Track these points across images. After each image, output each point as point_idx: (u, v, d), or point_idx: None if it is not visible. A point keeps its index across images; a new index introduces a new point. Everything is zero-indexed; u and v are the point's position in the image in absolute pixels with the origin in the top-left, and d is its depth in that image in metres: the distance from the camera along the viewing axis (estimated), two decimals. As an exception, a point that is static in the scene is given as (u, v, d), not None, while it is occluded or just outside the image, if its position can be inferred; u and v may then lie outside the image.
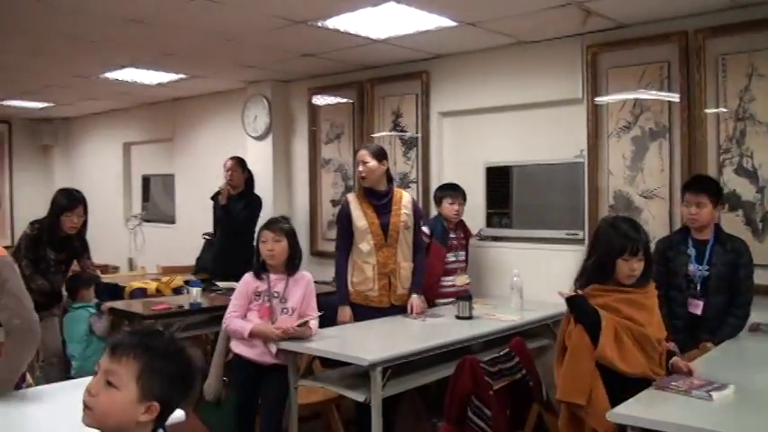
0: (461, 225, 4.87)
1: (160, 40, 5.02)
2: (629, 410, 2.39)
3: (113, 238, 8.98)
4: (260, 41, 4.97)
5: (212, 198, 5.91)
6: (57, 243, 4.56)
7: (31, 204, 7.58)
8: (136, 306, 4.92)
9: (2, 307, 2.49)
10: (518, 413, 3.27)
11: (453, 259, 4.75)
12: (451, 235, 4.75)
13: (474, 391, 2.79)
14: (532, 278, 4.52)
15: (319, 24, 4.45)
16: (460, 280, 4.76)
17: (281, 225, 3.67)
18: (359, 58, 5.45)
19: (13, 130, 9.78)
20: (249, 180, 5.99)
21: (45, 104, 8.41)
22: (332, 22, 4.41)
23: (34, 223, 4.62)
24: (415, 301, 4.21)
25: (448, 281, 4.72)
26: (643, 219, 4.25)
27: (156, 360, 1.59)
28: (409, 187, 5.50)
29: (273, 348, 3.54)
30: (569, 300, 2.83)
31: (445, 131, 5.49)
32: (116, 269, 8.03)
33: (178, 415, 2.33)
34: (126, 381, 1.57)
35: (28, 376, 2.86)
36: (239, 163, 5.91)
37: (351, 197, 4.29)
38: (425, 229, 4.68)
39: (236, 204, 5.79)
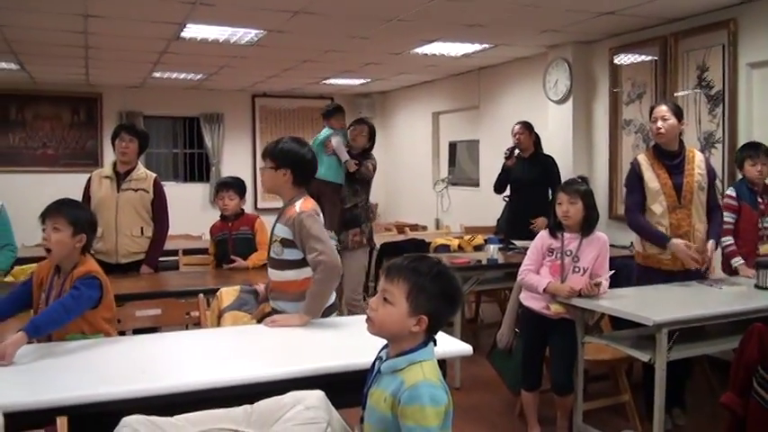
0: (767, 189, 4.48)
1: (464, 13, 5.34)
2: None
3: (423, 200, 9.75)
4: (559, 4, 5.02)
5: (506, 159, 6.15)
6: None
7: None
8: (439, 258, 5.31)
9: (309, 249, 3.00)
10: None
11: (760, 226, 4.40)
12: (758, 199, 4.40)
13: (761, 361, 2.64)
14: None
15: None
16: (766, 248, 4.39)
17: (576, 187, 3.73)
18: (660, 10, 5.23)
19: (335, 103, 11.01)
20: (537, 142, 6.13)
21: (363, 81, 9.37)
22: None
23: None
24: (711, 246, 4.01)
25: None
26: None
27: (422, 280, 1.87)
28: (714, 147, 5.17)
29: (551, 308, 3.66)
30: None
31: (755, 84, 5.04)
32: (425, 228, 8.68)
33: (465, 348, 2.65)
34: (398, 298, 1.87)
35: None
36: (526, 126, 6.07)
37: (641, 158, 4.17)
38: (731, 191, 4.39)
39: (529, 167, 5.97)
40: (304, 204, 3.10)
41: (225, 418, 2.01)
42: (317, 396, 2.07)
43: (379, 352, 2.00)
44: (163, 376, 2.31)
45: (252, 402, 2.07)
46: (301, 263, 3.07)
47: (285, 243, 3.07)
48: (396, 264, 1.93)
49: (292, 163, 3.11)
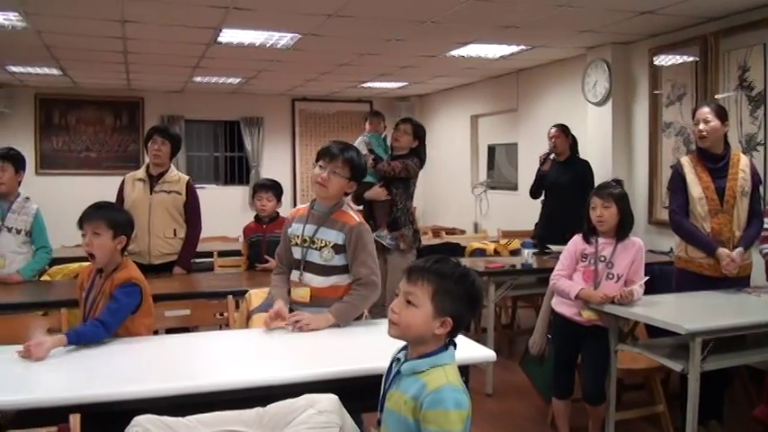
0: None
1: (499, 15, 5.28)
2: None
3: (461, 204, 9.68)
4: (596, 3, 4.93)
5: (539, 169, 6.08)
6: None
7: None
8: (473, 263, 5.24)
9: (362, 264, 3.01)
10: None
11: None
12: None
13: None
14: None
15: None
16: None
17: (609, 191, 3.62)
18: (701, 9, 5.10)
19: (373, 108, 10.96)
20: (573, 146, 6.03)
21: (401, 84, 9.36)
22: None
23: None
24: (737, 254, 3.85)
25: None
26: None
27: (446, 282, 1.85)
28: (756, 150, 5.01)
29: (583, 314, 3.57)
30: None
31: (798, 85, 4.88)
32: (463, 232, 8.60)
33: (489, 354, 2.60)
34: (423, 300, 1.85)
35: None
36: (562, 129, 5.98)
37: (684, 160, 4.06)
38: None
39: (564, 170, 5.88)
40: (359, 215, 3.13)
41: (236, 420, 2.00)
42: (329, 400, 2.04)
43: (397, 353, 1.97)
44: (179, 377, 2.32)
45: (265, 405, 2.05)
46: (346, 268, 3.06)
47: (337, 249, 3.03)
48: (418, 266, 1.92)
49: (360, 179, 3.15)
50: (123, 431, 1.90)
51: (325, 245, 3.03)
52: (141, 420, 1.91)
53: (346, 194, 3.15)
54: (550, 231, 5.72)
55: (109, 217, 2.92)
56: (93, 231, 2.87)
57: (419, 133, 5.18)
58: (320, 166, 3.03)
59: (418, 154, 5.16)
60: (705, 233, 3.91)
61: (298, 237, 3.11)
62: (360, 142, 5.44)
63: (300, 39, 6.03)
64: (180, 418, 1.96)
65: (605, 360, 3.61)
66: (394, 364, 1.95)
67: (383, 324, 3.04)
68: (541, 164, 6.04)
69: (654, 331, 3.74)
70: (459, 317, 1.86)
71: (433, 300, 1.84)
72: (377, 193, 5.02)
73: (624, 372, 3.78)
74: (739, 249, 3.87)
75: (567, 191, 5.73)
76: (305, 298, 3.07)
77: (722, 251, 3.84)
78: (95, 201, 3.06)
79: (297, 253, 3.12)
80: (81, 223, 2.93)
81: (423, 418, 1.77)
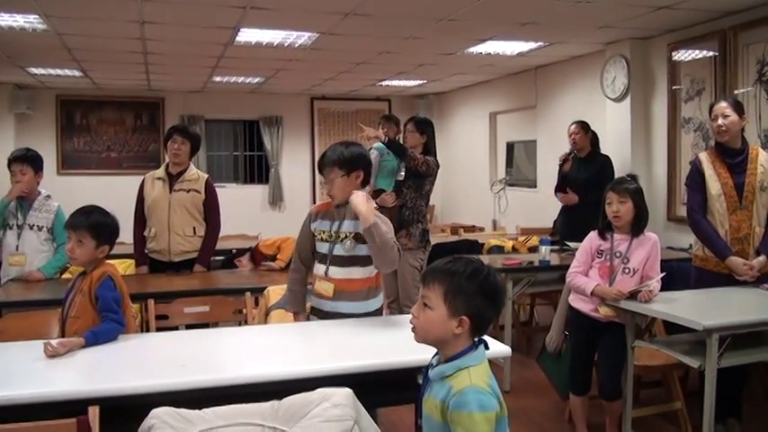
0: None
1: (516, 11, 5.27)
2: None
3: (479, 201, 9.67)
4: (614, -2, 4.91)
5: (560, 166, 6.06)
6: None
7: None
8: (491, 260, 5.24)
9: None
10: None
11: None
12: None
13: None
14: None
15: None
16: None
17: (626, 186, 3.62)
18: (718, 3, 5.05)
19: (392, 106, 11.04)
20: (594, 142, 6.01)
21: (419, 82, 9.37)
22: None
23: None
24: (759, 262, 3.81)
25: None
26: None
27: (456, 281, 1.84)
28: (777, 146, 4.94)
29: (600, 311, 3.57)
30: None
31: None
32: (482, 229, 8.60)
33: (504, 350, 2.60)
34: (436, 302, 1.85)
35: None
36: (582, 126, 5.97)
37: (703, 156, 4.02)
38: None
39: (585, 166, 5.85)
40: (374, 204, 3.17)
41: (252, 412, 2.02)
42: (344, 393, 2.06)
43: (431, 359, 1.97)
44: (196, 371, 2.36)
45: (281, 398, 2.08)
46: (369, 259, 3.09)
47: (358, 238, 3.07)
48: (431, 268, 1.92)
49: (364, 164, 3.16)
50: (141, 423, 1.94)
51: (347, 236, 3.09)
52: (159, 413, 1.94)
53: (363, 186, 3.18)
54: (571, 228, 5.70)
55: (95, 227, 2.94)
56: (78, 239, 2.91)
57: (423, 128, 5.23)
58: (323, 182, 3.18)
59: (429, 149, 5.19)
60: (722, 235, 3.87)
61: (324, 232, 3.17)
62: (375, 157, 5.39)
63: (318, 38, 6.06)
64: (197, 411, 1.99)
65: (622, 356, 3.60)
66: (429, 371, 1.95)
67: (399, 320, 3.10)
68: (561, 165, 6.01)
69: (672, 328, 3.73)
70: (478, 314, 1.84)
71: (446, 300, 1.83)
72: (384, 200, 5.06)
73: (641, 368, 3.77)
74: (759, 259, 3.83)
75: (587, 187, 5.71)
76: (328, 292, 3.11)
77: (734, 260, 3.81)
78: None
79: (323, 248, 3.16)
80: (68, 227, 2.97)
81: (450, 419, 1.78)
